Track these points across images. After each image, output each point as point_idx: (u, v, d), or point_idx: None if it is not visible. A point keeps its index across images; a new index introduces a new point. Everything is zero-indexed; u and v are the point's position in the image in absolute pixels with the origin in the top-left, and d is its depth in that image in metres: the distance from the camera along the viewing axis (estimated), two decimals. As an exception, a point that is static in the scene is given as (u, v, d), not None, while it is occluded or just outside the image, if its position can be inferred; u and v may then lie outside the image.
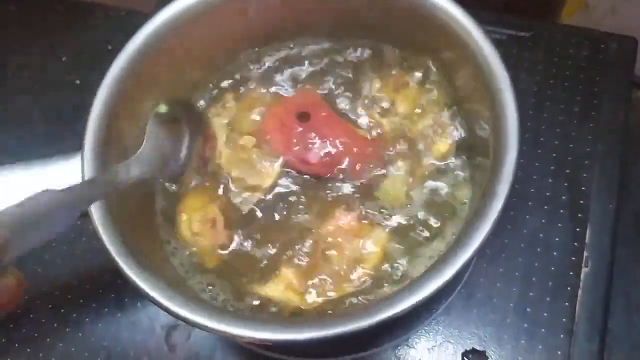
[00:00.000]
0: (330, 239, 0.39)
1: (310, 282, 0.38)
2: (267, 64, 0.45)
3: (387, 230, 0.39)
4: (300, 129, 0.41)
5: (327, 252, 0.39)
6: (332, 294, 0.38)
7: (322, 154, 0.40)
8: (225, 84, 0.45)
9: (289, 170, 0.41)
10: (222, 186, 0.41)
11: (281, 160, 0.41)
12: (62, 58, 0.61)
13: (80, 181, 0.35)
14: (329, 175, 0.40)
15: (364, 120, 0.42)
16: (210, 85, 0.45)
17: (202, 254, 0.39)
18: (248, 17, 0.42)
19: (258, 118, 0.43)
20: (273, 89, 0.44)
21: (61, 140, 0.52)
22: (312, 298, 0.38)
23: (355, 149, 0.40)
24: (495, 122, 0.35)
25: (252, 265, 0.39)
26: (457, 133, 0.41)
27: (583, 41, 0.55)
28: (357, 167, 0.40)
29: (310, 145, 0.40)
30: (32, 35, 0.63)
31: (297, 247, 0.39)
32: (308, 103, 0.42)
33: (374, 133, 0.42)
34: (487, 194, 0.33)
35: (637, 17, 0.58)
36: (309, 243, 0.39)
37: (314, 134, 0.40)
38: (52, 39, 0.62)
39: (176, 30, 0.40)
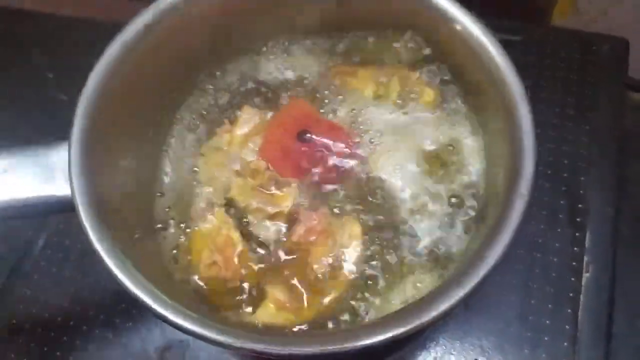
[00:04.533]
0: (303, 244, 0.37)
1: (299, 295, 0.36)
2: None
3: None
4: (306, 148, 0.39)
5: (306, 259, 0.37)
6: (326, 299, 0.36)
7: (336, 168, 0.39)
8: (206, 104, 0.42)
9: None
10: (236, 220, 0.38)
11: (295, 185, 0.39)
12: (49, 74, 0.60)
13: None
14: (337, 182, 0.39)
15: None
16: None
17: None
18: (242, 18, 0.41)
19: (256, 145, 0.40)
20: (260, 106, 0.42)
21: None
22: (307, 311, 0.36)
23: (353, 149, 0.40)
24: (509, 134, 0.34)
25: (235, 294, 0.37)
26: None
27: (574, 43, 0.55)
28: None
29: (321, 162, 0.39)
30: (17, 52, 0.62)
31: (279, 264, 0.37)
32: (303, 117, 0.41)
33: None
34: (504, 208, 0.31)
35: (627, 18, 0.58)
36: (285, 256, 0.37)
37: (321, 150, 0.39)
38: (37, 55, 0.61)
39: (154, 38, 0.38)
